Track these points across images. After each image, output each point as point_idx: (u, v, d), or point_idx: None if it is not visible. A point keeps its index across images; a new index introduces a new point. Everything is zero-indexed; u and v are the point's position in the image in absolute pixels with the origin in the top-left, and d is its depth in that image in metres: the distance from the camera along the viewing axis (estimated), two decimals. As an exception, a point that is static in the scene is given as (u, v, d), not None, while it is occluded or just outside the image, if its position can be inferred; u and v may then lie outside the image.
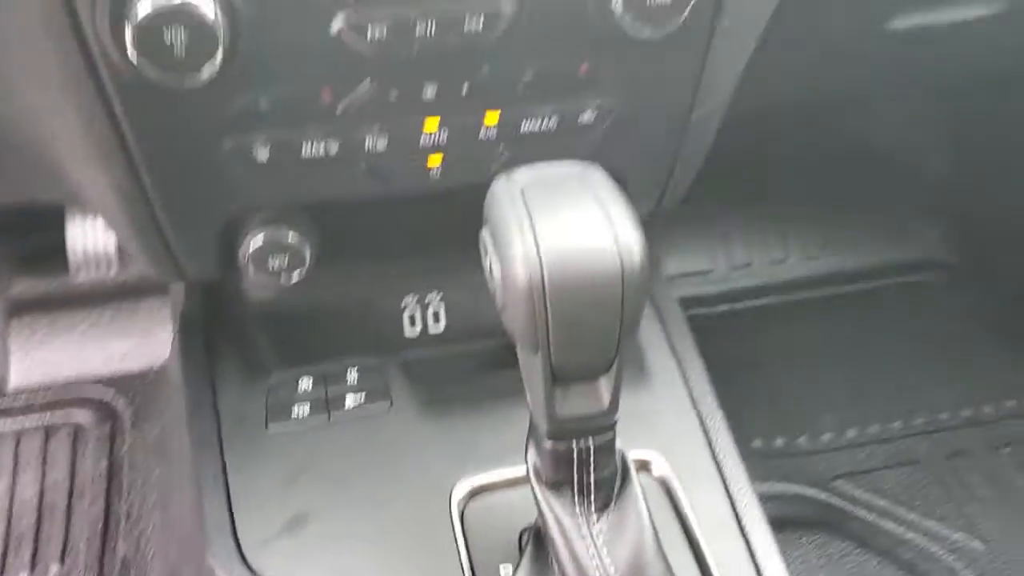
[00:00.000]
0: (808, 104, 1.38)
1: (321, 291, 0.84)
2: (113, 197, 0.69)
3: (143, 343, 1.34)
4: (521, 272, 0.53)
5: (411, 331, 0.90)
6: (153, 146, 0.65)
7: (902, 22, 1.07)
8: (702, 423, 0.82)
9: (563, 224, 0.54)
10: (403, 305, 0.89)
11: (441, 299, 0.90)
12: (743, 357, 1.41)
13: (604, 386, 0.58)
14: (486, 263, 0.58)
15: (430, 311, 0.90)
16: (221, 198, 0.69)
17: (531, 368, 0.58)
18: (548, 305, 0.54)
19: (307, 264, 0.74)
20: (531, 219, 0.55)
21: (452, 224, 0.79)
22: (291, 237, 0.73)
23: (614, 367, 0.58)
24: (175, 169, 0.67)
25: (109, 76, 0.60)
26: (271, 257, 0.73)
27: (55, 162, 0.71)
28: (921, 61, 1.29)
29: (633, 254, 0.53)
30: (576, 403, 0.58)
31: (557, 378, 0.57)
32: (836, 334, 1.53)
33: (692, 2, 0.62)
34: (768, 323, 1.55)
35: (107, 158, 0.65)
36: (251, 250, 0.72)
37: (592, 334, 0.55)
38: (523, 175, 0.58)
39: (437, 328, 0.90)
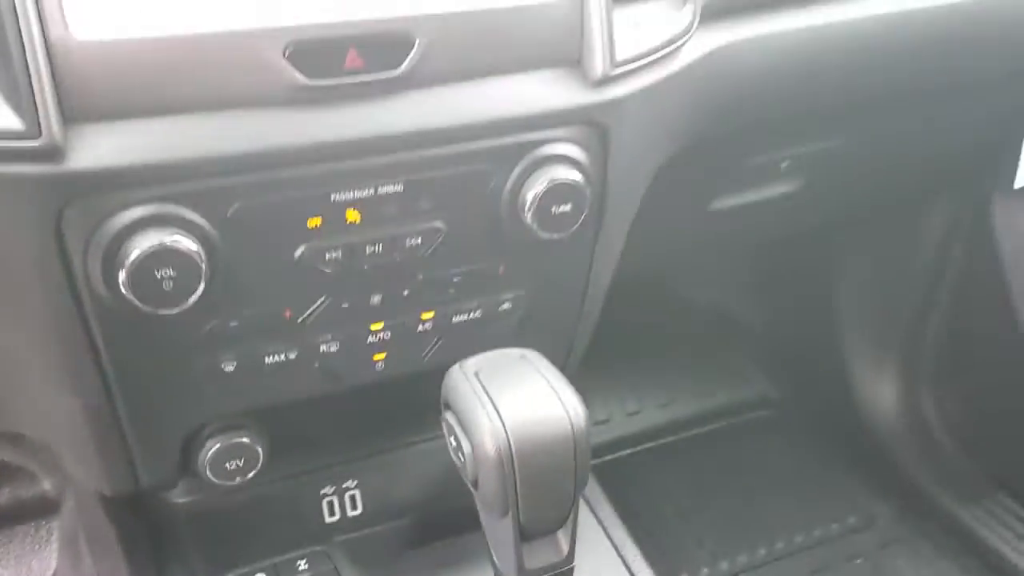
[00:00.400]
0: (652, 272, 1.58)
1: (249, 489, 0.89)
2: (79, 416, 0.74)
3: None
4: (491, 445, 0.63)
5: (331, 518, 0.96)
6: (128, 365, 0.71)
7: (723, 203, 1.29)
8: (628, 569, 0.92)
9: (519, 400, 0.65)
10: (322, 493, 0.96)
11: (357, 485, 0.97)
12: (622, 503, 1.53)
13: (563, 537, 0.68)
14: (451, 442, 0.68)
15: (346, 497, 0.97)
16: (188, 409, 0.76)
17: (498, 529, 0.67)
18: (516, 471, 0.64)
19: (260, 464, 0.80)
20: (492, 399, 0.65)
21: (382, 411, 0.88)
22: (247, 439, 0.79)
23: (571, 518, 0.68)
24: (147, 385, 0.73)
25: (93, 308, 0.67)
26: (228, 461, 0.79)
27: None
28: (736, 232, 1.52)
29: (580, 418, 0.65)
30: (541, 555, 0.68)
31: (524, 535, 0.66)
32: (701, 473, 1.69)
33: (584, 213, 0.77)
34: (636, 470, 1.69)
35: (80, 378, 0.71)
36: (210, 455, 0.78)
37: (553, 492, 0.65)
38: (473, 363, 0.69)
39: (355, 512, 0.97)
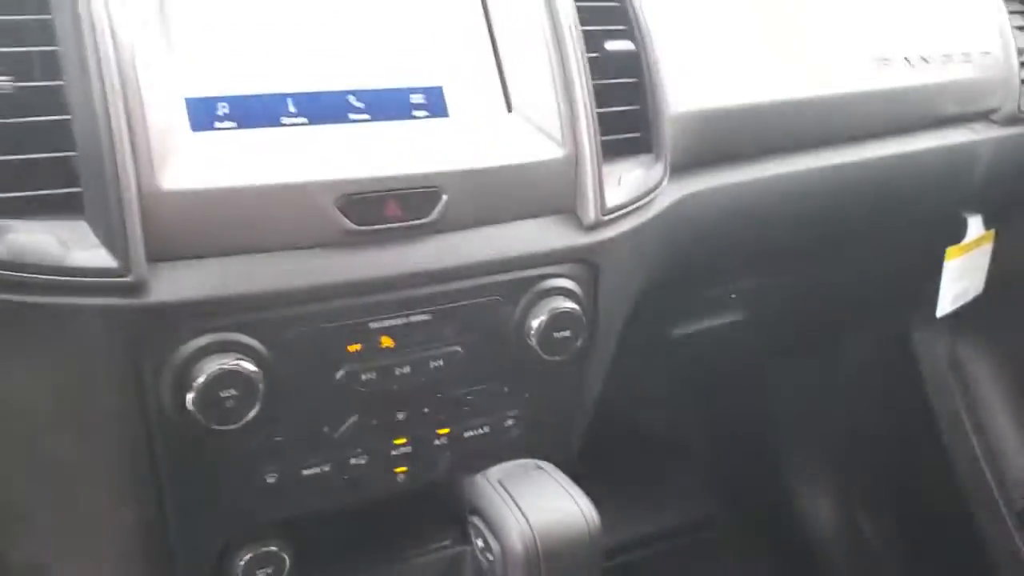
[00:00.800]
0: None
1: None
2: (128, 528, 0.80)
3: None
4: (519, 545, 0.72)
5: None
6: (183, 477, 0.78)
7: (681, 330, 1.42)
8: None
9: (541, 504, 0.75)
10: None
11: None
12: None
13: None
14: (477, 544, 0.76)
15: None
16: (230, 518, 0.83)
17: None
18: (542, 569, 0.72)
19: (286, 572, 0.87)
20: (517, 504, 0.74)
21: (397, 519, 0.96)
22: (275, 548, 0.86)
23: None
24: (198, 496, 0.80)
25: (159, 424, 0.75)
26: (259, 569, 0.85)
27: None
28: (688, 357, 1.65)
29: (595, 519, 0.74)
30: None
31: (550, 627, 0.75)
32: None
33: (581, 338, 0.89)
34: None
35: (139, 490, 0.78)
36: (242, 564, 0.85)
37: (574, 585, 0.74)
38: (495, 472, 0.79)
39: None
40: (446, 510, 0.93)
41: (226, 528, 0.84)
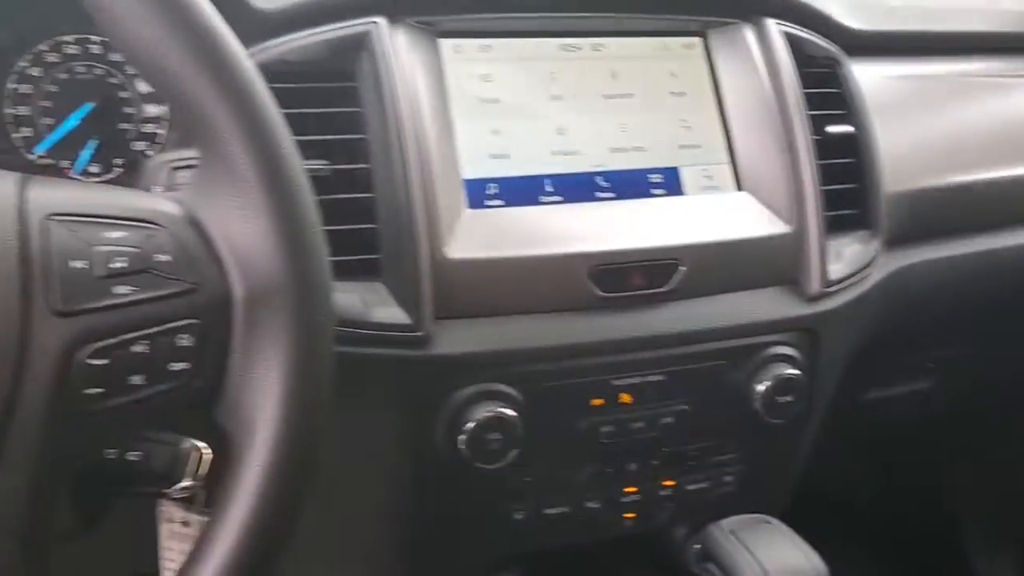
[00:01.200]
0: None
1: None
2: (393, 550, 0.91)
3: None
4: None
5: None
6: (446, 508, 0.89)
7: (873, 394, 1.45)
8: None
9: (774, 554, 0.81)
10: None
11: None
12: None
13: None
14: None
15: None
16: (479, 547, 0.93)
17: None
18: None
19: None
20: (752, 553, 0.81)
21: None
22: None
23: None
24: (455, 528, 0.91)
25: (432, 461, 0.86)
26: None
27: None
28: (868, 420, 1.66)
29: (824, 570, 0.80)
30: None
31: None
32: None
33: (803, 402, 0.95)
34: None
35: (405, 523, 0.89)
36: None
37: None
38: (727, 524, 0.86)
39: None
40: (657, 558, 1.01)
41: (476, 555, 0.94)
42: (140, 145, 0.97)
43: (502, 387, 0.85)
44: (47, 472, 0.53)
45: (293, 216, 0.57)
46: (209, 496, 0.80)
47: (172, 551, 0.82)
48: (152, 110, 0.97)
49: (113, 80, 0.95)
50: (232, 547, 0.55)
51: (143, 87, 0.97)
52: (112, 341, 0.53)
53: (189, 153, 0.75)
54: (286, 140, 0.58)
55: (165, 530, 0.82)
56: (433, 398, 0.84)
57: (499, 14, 0.90)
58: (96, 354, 0.53)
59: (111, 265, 0.54)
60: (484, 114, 0.89)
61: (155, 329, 0.55)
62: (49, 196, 0.55)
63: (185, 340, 0.56)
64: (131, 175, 0.96)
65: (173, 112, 0.57)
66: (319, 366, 0.58)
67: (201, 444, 0.74)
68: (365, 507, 0.91)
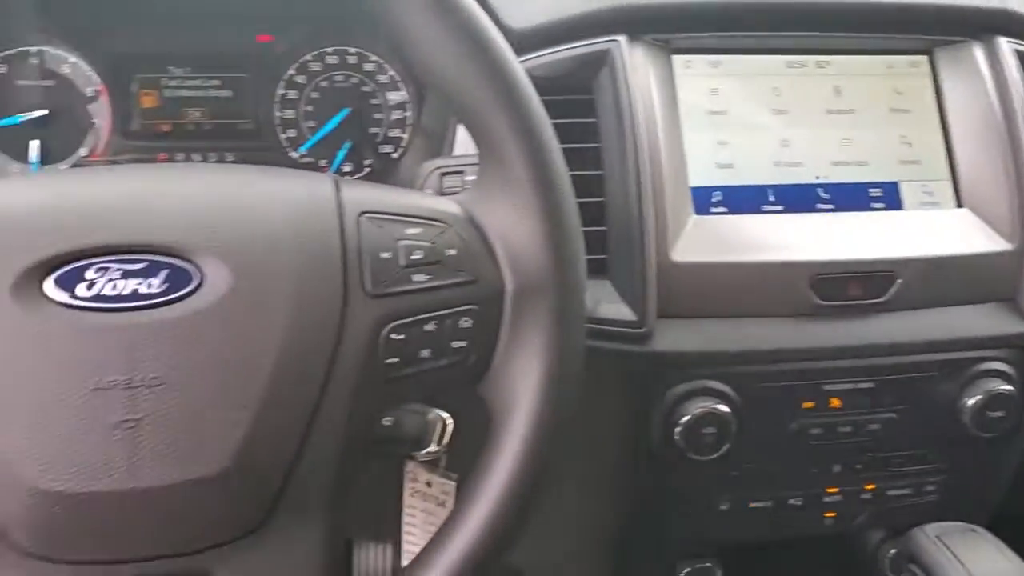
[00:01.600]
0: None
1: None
2: (603, 528, 0.99)
3: None
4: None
5: None
6: (657, 493, 0.95)
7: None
8: None
9: (980, 559, 0.83)
10: None
11: None
12: None
13: None
14: (912, 596, 0.87)
15: None
16: (683, 533, 0.99)
17: None
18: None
19: None
20: (959, 559, 0.83)
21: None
22: (711, 564, 1.01)
23: None
24: (668, 513, 0.97)
25: (647, 449, 0.92)
26: (694, 583, 1.01)
27: None
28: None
29: None
30: None
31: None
32: None
33: (1015, 418, 0.95)
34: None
35: (620, 498, 0.96)
36: (683, 573, 1.00)
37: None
38: (933, 530, 0.88)
39: None
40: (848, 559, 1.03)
41: (679, 540, 1.00)
42: (387, 148, 1.08)
43: (718, 385, 0.90)
44: (352, 433, 0.62)
45: (560, 220, 0.64)
46: (450, 461, 0.90)
47: (414, 508, 0.92)
48: (398, 116, 1.07)
49: (366, 89, 1.06)
50: (494, 501, 0.62)
51: (392, 96, 1.07)
52: (409, 320, 0.62)
53: (455, 160, 0.85)
54: (557, 151, 0.65)
55: (409, 489, 0.92)
56: (652, 391, 0.90)
57: (729, 33, 0.95)
58: (396, 330, 0.61)
59: (411, 256, 0.62)
60: (711, 126, 0.94)
61: (443, 312, 0.63)
62: (360, 196, 0.64)
63: (465, 323, 0.63)
64: (380, 174, 1.07)
65: (461, 121, 0.64)
66: (574, 353, 0.65)
67: (445, 415, 0.83)
68: (581, 486, 0.98)
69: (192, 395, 0.56)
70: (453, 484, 0.89)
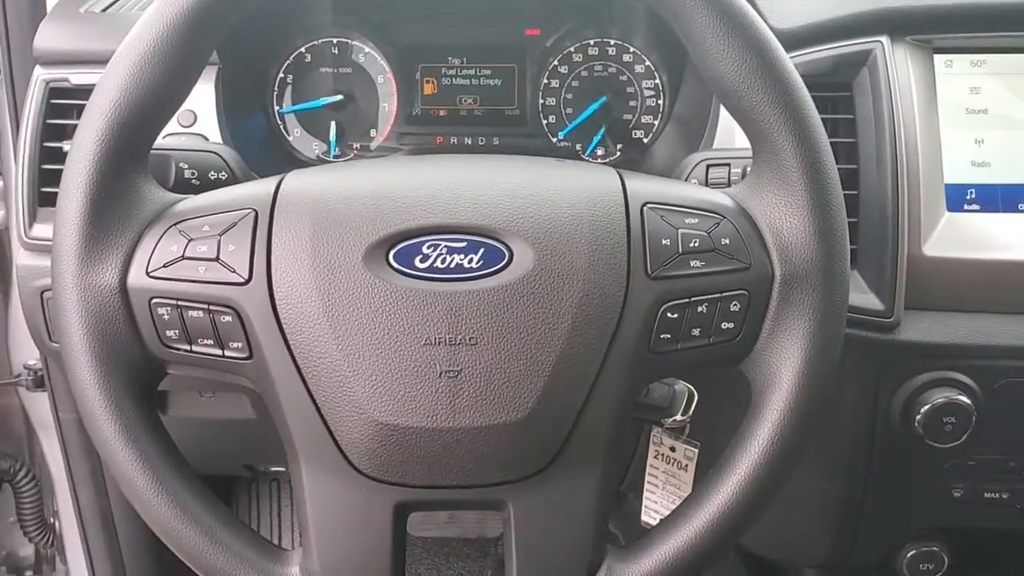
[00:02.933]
0: None
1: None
2: (830, 503, 1.04)
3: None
4: None
5: None
6: (889, 474, 0.99)
7: None
8: None
9: None
10: None
11: None
12: None
13: None
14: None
15: None
16: (912, 516, 1.02)
17: None
18: None
19: (943, 570, 1.04)
20: None
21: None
22: (938, 548, 1.04)
23: None
24: (893, 492, 1.01)
25: (882, 435, 0.96)
26: (922, 564, 1.04)
27: None
28: None
29: None
30: None
31: None
32: None
33: None
34: None
35: (850, 476, 1.01)
36: (909, 555, 1.04)
37: None
38: None
39: None
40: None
41: (907, 522, 1.03)
42: (638, 134, 1.15)
43: (960, 376, 0.93)
44: (625, 395, 0.70)
45: (829, 216, 0.70)
46: (692, 430, 0.97)
47: (656, 469, 1.01)
48: (651, 104, 1.14)
49: (622, 78, 1.14)
50: (752, 465, 0.69)
51: (647, 85, 1.14)
52: (684, 301, 0.69)
53: (720, 153, 0.91)
54: (829, 152, 0.70)
55: (653, 451, 1.01)
56: (896, 378, 0.94)
57: (994, 33, 0.96)
58: (671, 309, 0.69)
59: (689, 244, 0.69)
60: (970, 124, 0.96)
61: (715, 295, 0.69)
62: (643, 188, 0.72)
63: (735, 306, 0.70)
64: (631, 159, 1.15)
65: (738, 119, 0.71)
66: (834, 341, 0.71)
67: (691, 387, 0.90)
68: (812, 464, 1.03)
69: (500, 353, 0.66)
70: (695, 451, 0.97)
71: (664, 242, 0.69)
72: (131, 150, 0.69)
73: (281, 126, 1.14)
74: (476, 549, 1.71)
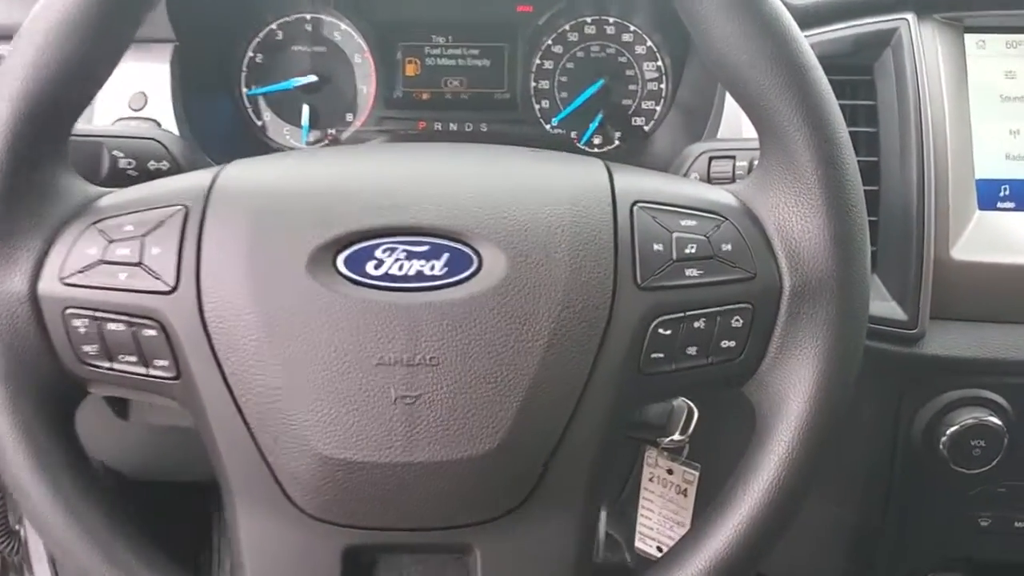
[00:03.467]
0: None
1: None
2: (844, 530, 0.95)
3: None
4: None
5: None
6: (910, 499, 0.91)
7: None
8: None
9: None
10: None
11: None
12: None
13: None
14: None
15: None
16: (935, 545, 0.94)
17: None
18: None
19: None
20: None
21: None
22: None
23: None
24: (915, 518, 0.92)
25: (904, 454, 0.87)
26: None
27: None
28: None
29: None
30: None
31: None
32: None
33: None
34: None
35: (866, 499, 0.92)
36: None
37: None
38: None
39: None
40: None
41: (929, 552, 0.94)
42: (638, 121, 1.06)
43: (991, 395, 0.84)
44: (611, 423, 0.61)
45: (847, 219, 0.60)
46: (692, 450, 0.88)
47: (652, 494, 0.92)
48: (653, 88, 1.05)
49: (622, 59, 1.05)
50: (754, 505, 0.60)
51: (648, 68, 1.05)
52: (678, 315, 0.60)
53: (725, 144, 0.82)
54: (847, 143, 0.61)
55: (648, 474, 0.92)
56: (919, 396, 0.85)
57: (1033, 10, 0.87)
58: (664, 325, 0.60)
59: (684, 250, 0.60)
60: (1004, 113, 0.86)
61: (714, 309, 0.60)
62: (633, 185, 0.63)
63: (736, 322, 0.61)
64: (629, 148, 1.06)
65: (744, 107, 0.62)
66: (851, 360, 0.62)
67: (691, 403, 0.81)
68: (827, 487, 0.94)
69: (465, 377, 0.57)
70: (696, 474, 0.88)
71: (656, 247, 0.61)
72: (45, 136, 0.60)
73: (249, 110, 1.06)
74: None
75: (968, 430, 0.83)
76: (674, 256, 0.60)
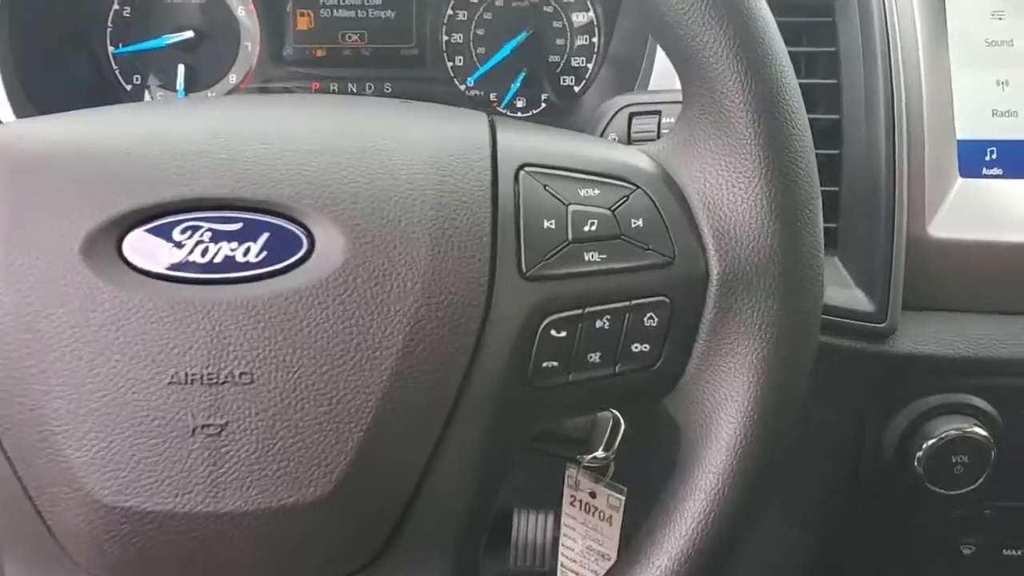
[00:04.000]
0: None
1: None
2: (797, 554, 0.82)
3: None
4: None
5: None
6: (878, 523, 0.79)
7: None
8: None
9: None
10: None
11: None
12: None
13: None
14: None
15: None
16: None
17: None
18: None
19: None
20: None
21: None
22: None
23: None
24: (884, 545, 0.79)
25: (870, 470, 0.74)
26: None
27: None
28: None
29: None
30: None
31: None
32: None
33: None
34: None
35: (827, 522, 0.80)
36: None
37: None
38: None
39: None
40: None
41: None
42: (568, 80, 0.93)
43: (976, 400, 0.72)
44: (491, 452, 0.49)
45: (793, 184, 0.48)
46: (618, 470, 0.76)
47: (573, 520, 0.78)
48: (583, 42, 0.92)
49: (547, 9, 0.92)
50: (680, 547, 0.49)
51: (578, 18, 0.92)
52: (576, 312, 0.48)
53: (651, 97, 0.68)
54: (795, 91, 0.49)
55: (569, 496, 0.79)
56: (889, 403, 0.73)
57: (1026, -66, 0.73)
58: (557, 325, 0.48)
59: (584, 228, 0.48)
60: (990, 60, 0.74)
61: (621, 304, 0.48)
62: (520, 143, 0.50)
63: (650, 320, 0.49)
64: (558, 111, 0.93)
65: (661, 43, 0.49)
66: (798, 366, 0.50)
67: (617, 414, 0.69)
68: (788, 514, 0.81)
69: (288, 398, 0.45)
70: (621, 498, 0.75)
71: (547, 224, 0.48)
72: None
73: (116, 72, 0.93)
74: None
75: (949, 443, 0.71)
76: (570, 236, 0.48)
